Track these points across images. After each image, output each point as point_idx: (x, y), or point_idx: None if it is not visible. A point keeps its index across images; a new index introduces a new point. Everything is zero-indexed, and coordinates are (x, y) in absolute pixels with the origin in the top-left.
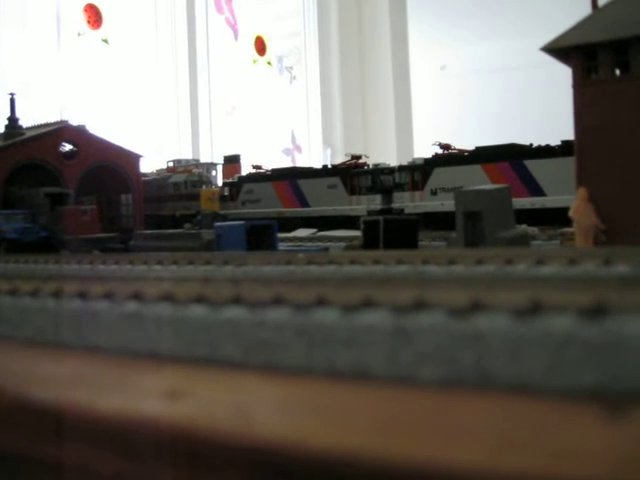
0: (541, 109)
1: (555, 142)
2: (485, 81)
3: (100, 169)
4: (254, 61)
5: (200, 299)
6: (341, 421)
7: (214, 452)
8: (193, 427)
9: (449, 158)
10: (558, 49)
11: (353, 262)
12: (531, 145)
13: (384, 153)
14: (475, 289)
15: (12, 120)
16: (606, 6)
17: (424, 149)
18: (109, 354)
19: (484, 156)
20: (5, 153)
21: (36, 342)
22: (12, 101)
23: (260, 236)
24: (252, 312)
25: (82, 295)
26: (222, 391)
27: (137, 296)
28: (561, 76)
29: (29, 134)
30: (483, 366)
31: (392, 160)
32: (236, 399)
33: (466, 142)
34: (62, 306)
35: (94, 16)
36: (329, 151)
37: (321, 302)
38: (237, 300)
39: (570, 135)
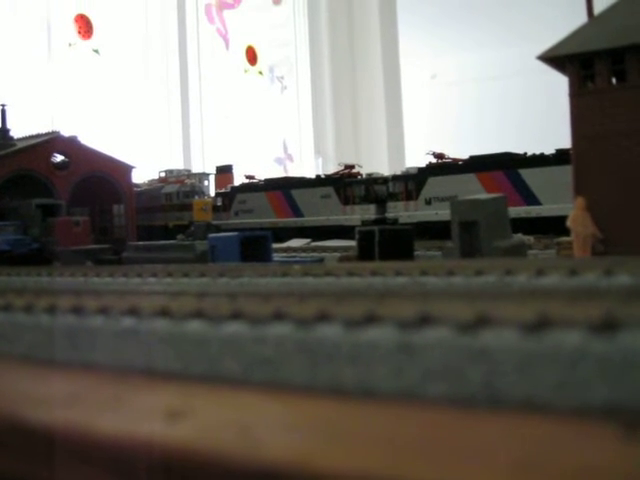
0: (538, 117)
1: (552, 150)
2: (479, 89)
3: (92, 180)
4: (245, 71)
5: (198, 314)
6: (348, 441)
7: (218, 476)
8: (195, 450)
9: (443, 167)
10: (554, 58)
11: (351, 274)
12: (525, 154)
13: (376, 161)
14: (479, 302)
15: (3, 131)
16: (602, 15)
17: (416, 157)
18: (104, 371)
19: (478, 165)
20: None
21: (31, 359)
22: (3, 112)
23: (254, 247)
24: (252, 327)
25: (76, 310)
26: (224, 410)
27: (133, 311)
28: (559, 83)
29: (20, 145)
30: (492, 383)
31: (384, 169)
32: (239, 419)
33: (461, 151)
34: (56, 322)
35: (85, 26)
36: (320, 160)
37: (323, 317)
38: (236, 315)
39: (568, 143)
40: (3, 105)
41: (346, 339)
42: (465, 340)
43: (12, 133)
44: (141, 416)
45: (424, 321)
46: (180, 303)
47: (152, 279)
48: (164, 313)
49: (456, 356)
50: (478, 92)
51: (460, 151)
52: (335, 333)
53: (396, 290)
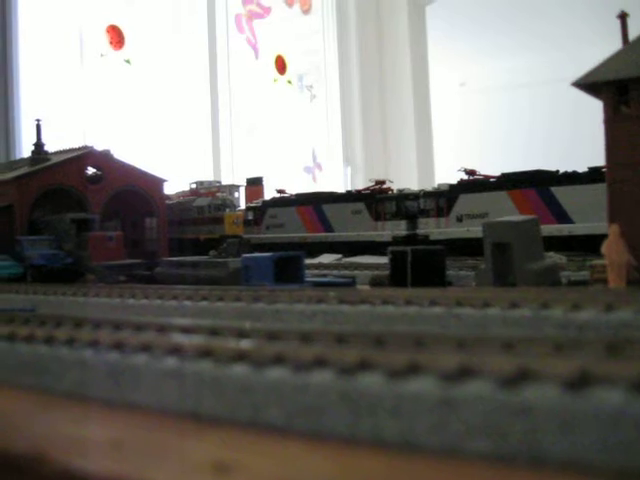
0: (570, 127)
1: (585, 163)
2: (507, 97)
3: (124, 193)
4: (274, 80)
5: (241, 357)
6: None
7: None
8: None
9: (474, 184)
10: (589, 84)
11: (385, 302)
12: (557, 171)
13: (404, 170)
14: (522, 355)
15: (38, 146)
16: (637, 41)
17: (445, 165)
18: (147, 412)
19: (510, 182)
20: (31, 179)
21: (74, 396)
22: (38, 127)
23: (288, 267)
24: (295, 374)
25: (119, 346)
26: (271, 464)
27: (176, 350)
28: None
29: (55, 160)
30: (533, 440)
31: (413, 179)
32: (286, 474)
33: (489, 162)
34: (99, 359)
35: (116, 37)
36: (349, 169)
37: (364, 365)
38: (279, 359)
39: (599, 155)
40: (38, 120)
41: (388, 391)
42: (506, 396)
43: (46, 147)
44: (189, 469)
45: (465, 374)
46: (222, 343)
47: (187, 302)
48: (207, 354)
49: (497, 412)
50: (507, 100)
51: (488, 162)
52: (377, 384)
53: (436, 335)
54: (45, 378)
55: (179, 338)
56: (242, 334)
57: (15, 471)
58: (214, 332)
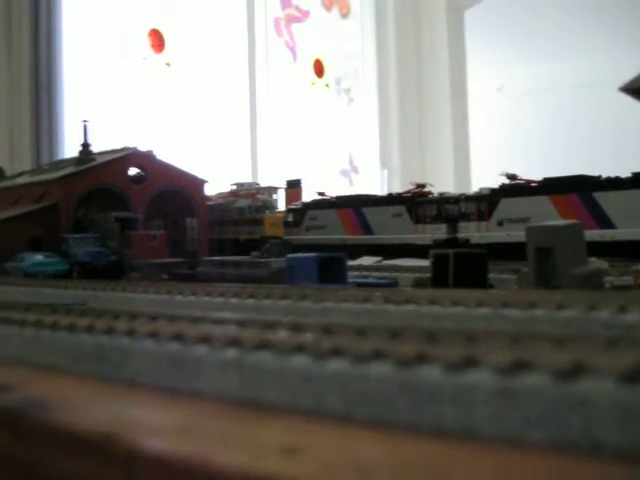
0: (613, 131)
1: (628, 168)
2: (544, 101)
3: (166, 193)
4: (312, 83)
5: (299, 348)
6: None
7: None
8: None
9: (516, 189)
10: (636, 89)
11: (431, 302)
12: (600, 177)
13: (441, 175)
14: (575, 349)
15: (85, 146)
16: None
17: (482, 170)
18: (213, 401)
19: (552, 187)
20: (78, 178)
21: (137, 384)
22: (85, 128)
23: (331, 268)
24: (354, 365)
25: (179, 337)
26: (337, 448)
27: (235, 342)
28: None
29: (100, 160)
30: (590, 430)
31: (449, 183)
32: (353, 457)
33: (529, 166)
34: (161, 349)
35: (157, 40)
36: (386, 172)
37: (421, 358)
38: (337, 352)
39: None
40: (85, 121)
41: (448, 382)
42: (563, 388)
43: (92, 148)
44: (258, 451)
45: (521, 367)
46: (279, 336)
47: (234, 300)
48: (265, 346)
49: (555, 403)
50: (547, 104)
51: (527, 166)
52: (436, 375)
53: (488, 331)
54: (105, 367)
55: (235, 331)
56: (297, 328)
57: (87, 450)
58: (269, 326)
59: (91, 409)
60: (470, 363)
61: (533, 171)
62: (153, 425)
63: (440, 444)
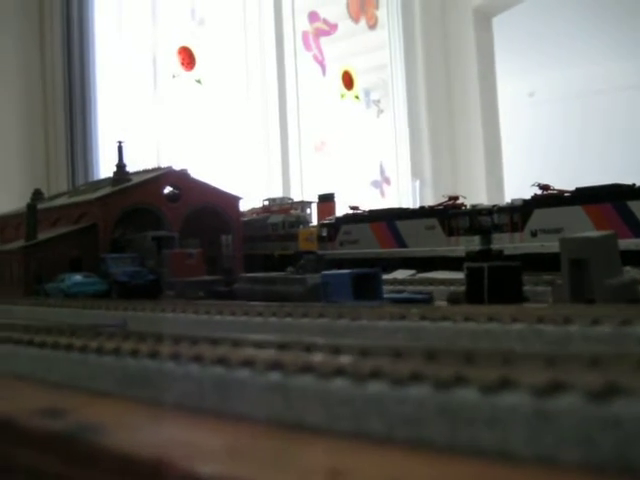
0: None
1: None
2: (583, 106)
3: (201, 211)
4: (342, 95)
5: (340, 371)
6: None
7: None
8: None
9: (549, 199)
10: None
11: (467, 319)
12: (634, 185)
13: (473, 186)
14: (609, 368)
15: (120, 167)
16: None
17: (514, 181)
18: (257, 424)
19: (585, 197)
20: (115, 199)
21: (183, 408)
22: (120, 148)
23: (365, 283)
24: (393, 388)
25: (222, 361)
26: (378, 469)
27: (277, 365)
28: None
29: (135, 180)
30: (623, 451)
31: (482, 194)
32: (395, 477)
33: (562, 175)
34: (205, 373)
35: (187, 58)
36: (418, 183)
37: (459, 380)
38: (376, 374)
39: None
40: (120, 142)
41: (484, 404)
42: (596, 409)
43: (127, 168)
44: (305, 474)
45: (556, 388)
46: (320, 359)
47: (273, 319)
48: (308, 369)
49: (589, 424)
50: (580, 109)
51: (561, 175)
52: (473, 397)
53: (524, 353)
54: (151, 390)
55: (277, 354)
56: (336, 350)
57: (141, 475)
58: (308, 348)
59: (141, 433)
60: (505, 385)
61: (567, 179)
62: (203, 448)
63: (476, 464)
